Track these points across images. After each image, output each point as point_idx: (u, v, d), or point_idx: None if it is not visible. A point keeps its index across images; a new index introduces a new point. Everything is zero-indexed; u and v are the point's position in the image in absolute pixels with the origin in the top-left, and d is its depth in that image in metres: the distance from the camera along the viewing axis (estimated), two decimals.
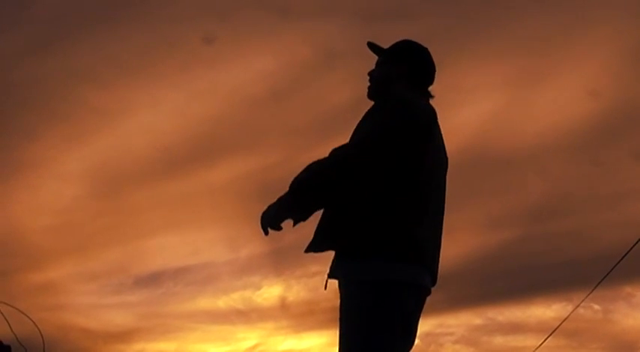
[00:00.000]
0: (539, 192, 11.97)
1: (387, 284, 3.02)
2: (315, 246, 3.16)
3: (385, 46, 3.47)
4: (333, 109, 10.41)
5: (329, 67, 10.32)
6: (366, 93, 3.44)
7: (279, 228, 3.12)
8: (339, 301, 3.19)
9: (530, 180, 11.91)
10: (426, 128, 3.16)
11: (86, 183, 11.71)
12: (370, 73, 3.44)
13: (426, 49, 3.45)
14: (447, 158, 3.35)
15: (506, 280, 12.62)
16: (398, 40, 3.48)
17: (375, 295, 3.02)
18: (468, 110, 10.26)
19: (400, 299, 3.05)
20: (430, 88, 3.43)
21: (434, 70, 3.44)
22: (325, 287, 3.24)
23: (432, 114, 3.23)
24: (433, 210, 3.18)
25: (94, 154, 11.43)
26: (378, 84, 3.40)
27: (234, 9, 10.28)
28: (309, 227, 3.42)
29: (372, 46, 3.45)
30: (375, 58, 3.49)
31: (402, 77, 3.37)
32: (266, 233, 3.13)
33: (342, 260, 3.12)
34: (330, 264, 3.24)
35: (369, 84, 3.44)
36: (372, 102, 3.35)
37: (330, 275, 3.22)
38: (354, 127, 3.22)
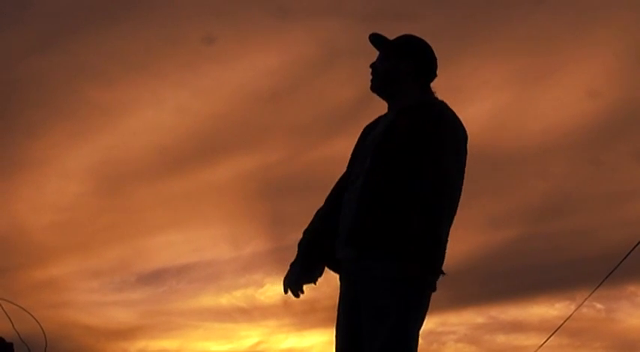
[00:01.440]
0: (541, 191, 11.98)
1: (422, 281, 3.11)
2: (354, 236, 3.19)
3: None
4: (336, 107, 10.42)
5: (331, 65, 10.34)
6: (369, 86, 3.44)
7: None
8: (342, 293, 3.28)
9: (532, 180, 11.93)
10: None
11: (89, 181, 11.73)
12: (373, 66, 3.43)
13: (430, 45, 3.46)
14: None
15: (508, 279, 12.64)
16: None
17: (419, 297, 3.13)
18: (469, 110, 10.24)
19: (428, 296, 3.18)
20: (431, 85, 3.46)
21: (437, 67, 3.46)
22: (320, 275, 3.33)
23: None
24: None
25: (96, 152, 11.45)
26: (386, 78, 3.39)
27: (236, 7, 10.30)
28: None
29: (376, 38, 3.44)
30: (376, 52, 3.50)
31: (410, 73, 3.38)
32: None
33: (376, 258, 3.14)
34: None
35: (371, 76, 3.43)
36: (375, 94, 3.41)
37: (332, 266, 3.31)
38: (383, 131, 3.30)
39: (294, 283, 3.31)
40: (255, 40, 10.54)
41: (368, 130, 3.47)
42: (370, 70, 3.43)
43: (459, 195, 3.20)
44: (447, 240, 3.16)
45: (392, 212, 3.13)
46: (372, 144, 3.31)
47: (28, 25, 10.23)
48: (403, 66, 3.38)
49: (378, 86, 3.41)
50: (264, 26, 10.33)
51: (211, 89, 11.11)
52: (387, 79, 3.39)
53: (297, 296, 3.30)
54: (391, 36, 3.44)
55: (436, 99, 3.39)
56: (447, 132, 3.22)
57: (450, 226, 3.17)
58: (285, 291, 3.31)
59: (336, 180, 3.48)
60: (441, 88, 3.44)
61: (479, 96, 10.83)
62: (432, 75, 3.44)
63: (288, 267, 3.35)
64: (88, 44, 10.50)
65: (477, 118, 10.42)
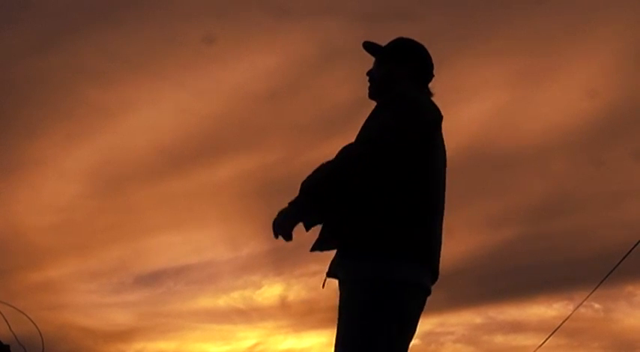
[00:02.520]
0: (540, 191, 11.98)
1: (389, 283, 3.03)
2: (321, 244, 3.17)
3: (383, 44, 3.47)
4: (335, 108, 10.42)
5: (330, 65, 10.33)
6: (367, 94, 3.44)
7: (289, 238, 3.10)
8: (338, 300, 3.19)
9: (531, 180, 11.93)
10: (432, 126, 3.20)
11: (87, 182, 11.73)
12: (369, 73, 3.44)
13: (423, 46, 3.45)
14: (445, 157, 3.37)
15: (507, 279, 12.64)
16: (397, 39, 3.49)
17: (376, 293, 3.03)
18: (468, 110, 10.27)
19: (400, 298, 3.06)
20: (430, 86, 3.44)
21: (433, 67, 3.45)
22: (323, 286, 3.25)
23: (437, 113, 3.25)
24: (437, 209, 3.20)
25: (95, 152, 11.45)
26: (381, 83, 3.39)
27: (236, 8, 10.30)
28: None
29: (369, 46, 3.44)
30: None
31: (405, 76, 3.38)
32: (276, 237, 3.13)
33: (345, 258, 3.12)
34: (329, 263, 3.25)
35: (368, 84, 3.44)
36: (375, 102, 3.35)
37: (330, 274, 3.23)
38: (361, 126, 3.22)
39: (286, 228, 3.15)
40: (255, 41, 10.54)
41: None
42: (367, 77, 3.44)
43: (366, 153, 3.03)
44: (418, 228, 3.05)
45: (342, 208, 3.11)
46: None
47: (27, 25, 10.23)
48: (397, 69, 3.38)
49: (376, 93, 3.41)
50: (264, 27, 10.33)
51: (210, 89, 11.11)
52: (384, 84, 3.39)
53: (289, 239, 3.14)
54: (390, 36, 3.45)
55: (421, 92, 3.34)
56: (395, 105, 3.15)
57: (333, 178, 3.03)
58: (276, 236, 3.16)
59: None
60: (441, 88, 3.44)
61: (478, 96, 10.84)
62: (429, 75, 3.43)
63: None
64: (87, 44, 10.51)
65: (477, 118, 10.43)
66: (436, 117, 3.23)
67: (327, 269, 3.25)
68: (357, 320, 3.04)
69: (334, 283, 3.28)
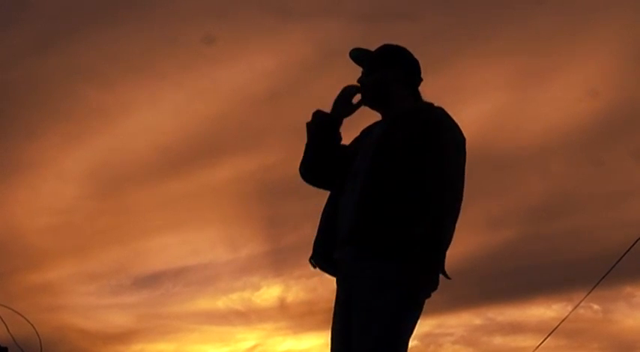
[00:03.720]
0: (539, 191, 11.97)
1: (418, 291, 3.12)
2: (354, 237, 3.18)
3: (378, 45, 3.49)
4: None
5: (329, 66, 10.29)
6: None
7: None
8: (338, 295, 3.26)
9: (530, 180, 11.91)
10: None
11: (86, 183, 11.70)
12: (360, 81, 3.46)
13: (409, 51, 3.48)
14: None
15: (506, 280, 12.62)
16: (398, 40, 3.52)
17: (413, 299, 3.12)
18: (468, 110, 10.24)
19: (422, 304, 3.18)
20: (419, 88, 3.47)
21: (420, 71, 3.48)
22: (314, 267, 3.35)
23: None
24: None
25: (94, 154, 11.43)
26: (375, 89, 3.42)
27: (234, 8, 10.28)
28: (307, 228, 3.42)
29: (356, 54, 3.47)
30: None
31: (398, 80, 3.40)
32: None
33: (375, 258, 3.14)
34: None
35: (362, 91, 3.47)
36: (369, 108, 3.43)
37: (329, 270, 3.31)
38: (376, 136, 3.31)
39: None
40: (253, 42, 10.53)
41: (366, 133, 3.49)
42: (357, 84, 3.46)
43: (461, 198, 3.19)
44: (449, 244, 3.16)
45: (393, 213, 3.14)
46: (372, 146, 3.32)
47: (26, 26, 10.22)
48: (391, 74, 3.41)
49: (370, 99, 3.45)
50: (262, 28, 10.32)
51: (209, 91, 11.09)
52: (378, 90, 3.42)
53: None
54: (390, 36, 3.47)
55: (432, 104, 3.39)
56: (448, 135, 3.23)
57: (452, 230, 3.16)
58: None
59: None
60: (441, 88, 3.44)
61: (478, 97, 10.82)
62: (418, 78, 3.46)
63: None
64: (86, 45, 10.49)
65: (476, 118, 10.41)
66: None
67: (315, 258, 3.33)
68: (394, 320, 3.09)
69: (331, 285, 3.30)
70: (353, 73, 3.48)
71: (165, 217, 12.07)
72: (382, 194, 3.17)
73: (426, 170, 3.14)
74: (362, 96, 3.45)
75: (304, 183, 3.50)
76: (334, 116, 3.45)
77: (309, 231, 3.43)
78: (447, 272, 3.16)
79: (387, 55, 3.45)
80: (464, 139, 3.28)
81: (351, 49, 3.48)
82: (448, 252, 3.15)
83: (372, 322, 3.10)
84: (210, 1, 10.49)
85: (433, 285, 3.14)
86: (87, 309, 12.38)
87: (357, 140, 3.50)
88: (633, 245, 8.46)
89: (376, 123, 3.48)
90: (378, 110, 3.46)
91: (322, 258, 3.34)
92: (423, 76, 3.47)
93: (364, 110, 3.48)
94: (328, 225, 3.34)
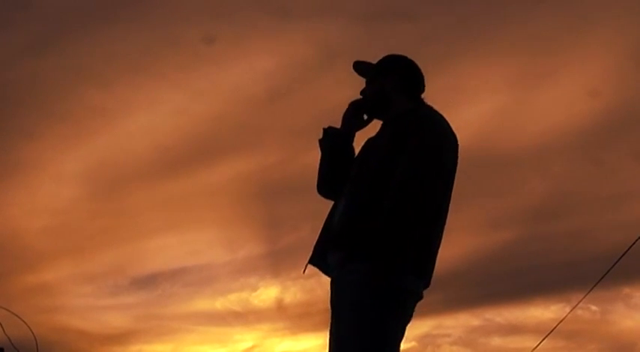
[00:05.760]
0: (538, 192, 11.96)
1: (400, 291, 3.10)
2: (339, 241, 3.21)
3: (382, 50, 3.53)
4: (334, 109, 10.31)
5: (329, 66, 10.29)
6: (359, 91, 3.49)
7: None
8: (331, 298, 3.26)
9: (530, 181, 11.90)
10: (455, 150, 3.28)
11: (84, 184, 11.68)
12: (363, 92, 3.49)
13: (411, 59, 3.49)
14: None
15: (504, 281, 12.60)
16: (398, 40, 3.53)
17: (387, 299, 3.08)
18: (468, 110, 10.23)
19: (406, 305, 3.17)
20: (423, 96, 3.47)
21: (423, 77, 3.48)
22: (304, 272, 3.38)
23: (454, 137, 3.30)
24: (444, 220, 3.28)
25: (92, 154, 11.41)
26: (376, 101, 3.44)
27: (234, 9, 10.26)
28: (305, 229, 3.41)
29: (359, 67, 3.50)
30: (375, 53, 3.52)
31: (397, 88, 3.42)
32: None
33: (354, 260, 3.15)
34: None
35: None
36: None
37: (325, 271, 3.32)
38: (374, 143, 3.34)
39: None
40: (253, 42, 10.52)
41: (367, 144, 3.51)
42: (361, 97, 3.50)
43: (432, 198, 3.14)
44: (429, 245, 3.16)
45: (368, 215, 3.15)
46: (364, 152, 3.41)
47: (24, 26, 10.20)
48: (389, 82, 3.43)
49: (371, 109, 3.49)
50: (262, 28, 10.30)
51: (208, 91, 11.07)
52: (378, 100, 3.44)
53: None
54: (390, 36, 3.47)
55: (424, 105, 3.39)
56: (417, 138, 3.19)
57: (427, 230, 3.14)
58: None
59: None
60: (441, 88, 3.43)
61: (478, 97, 10.80)
62: (420, 87, 3.46)
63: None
64: (85, 45, 10.47)
65: (476, 119, 10.40)
66: (455, 140, 3.29)
67: (310, 258, 3.34)
68: (368, 324, 3.08)
69: (328, 286, 3.29)
70: (353, 74, 3.51)
71: (163, 218, 12.06)
72: (364, 198, 3.21)
73: (398, 170, 3.14)
74: (365, 107, 3.49)
75: (304, 183, 3.52)
76: (345, 131, 3.49)
77: (307, 233, 3.43)
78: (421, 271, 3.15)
79: (384, 64, 3.47)
80: (439, 142, 3.21)
81: (353, 62, 3.51)
82: (446, 253, 3.14)
83: (351, 324, 3.11)
84: (209, 1, 10.48)
85: (413, 285, 3.12)
86: (84, 310, 12.38)
87: (362, 148, 3.52)
88: (632, 246, 8.45)
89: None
90: (379, 119, 3.49)
91: (320, 258, 3.34)
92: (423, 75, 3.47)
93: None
94: (326, 228, 3.37)
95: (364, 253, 3.09)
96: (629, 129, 11.18)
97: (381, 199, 3.13)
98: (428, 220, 3.12)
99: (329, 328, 3.29)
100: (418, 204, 3.09)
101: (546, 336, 11.18)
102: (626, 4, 10.09)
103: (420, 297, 3.22)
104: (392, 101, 3.41)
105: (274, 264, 12.37)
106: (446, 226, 3.29)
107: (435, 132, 3.23)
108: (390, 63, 3.47)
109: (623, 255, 8.63)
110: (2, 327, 5.58)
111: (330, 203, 3.44)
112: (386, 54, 3.53)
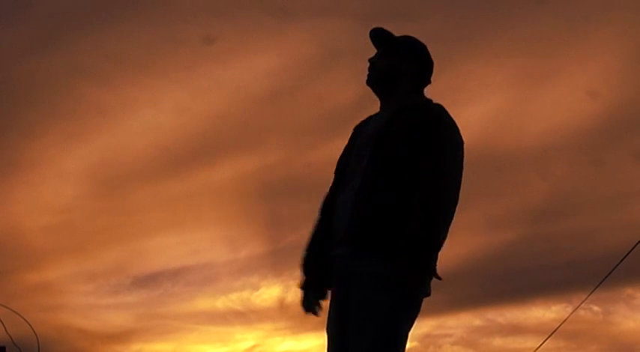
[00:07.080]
0: (540, 192, 11.95)
1: (420, 292, 3.12)
2: (350, 238, 3.17)
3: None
4: (336, 108, 10.39)
5: (331, 65, 10.30)
6: (365, 80, 3.43)
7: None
8: (337, 293, 3.24)
9: (531, 181, 11.90)
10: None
11: (85, 182, 11.69)
12: (372, 60, 3.41)
13: (429, 52, 3.45)
14: None
15: (506, 281, 12.60)
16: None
17: (410, 300, 3.11)
18: (469, 111, 10.23)
19: (419, 305, 3.18)
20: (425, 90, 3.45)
21: (431, 74, 3.46)
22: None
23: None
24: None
25: (93, 153, 11.42)
26: (384, 75, 3.37)
27: (236, 8, 10.28)
28: (307, 228, 3.40)
29: (378, 33, 3.41)
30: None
31: (409, 75, 3.37)
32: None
33: (375, 259, 3.12)
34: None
35: (368, 71, 3.42)
36: (370, 89, 3.39)
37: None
38: (383, 132, 3.25)
39: (311, 306, 3.37)
40: (255, 41, 10.53)
41: (358, 130, 3.44)
42: (368, 64, 3.41)
43: (457, 200, 3.17)
44: (440, 246, 3.14)
45: (389, 212, 3.12)
46: (369, 143, 3.27)
47: (25, 25, 10.21)
48: (405, 66, 3.37)
49: (376, 82, 3.39)
50: (264, 27, 10.31)
51: (210, 90, 11.08)
52: (387, 76, 3.37)
53: (317, 315, 3.37)
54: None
55: (432, 101, 3.37)
56: (447, 135, 3.20)
57: (445, 232, 3.14)
58: (307, 312, 3.38)
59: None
60: (442, 88, 3.43)
61: (479, 97, 10.81)
62: (428, 81, 3.44)
63: (300, 292, 3.39)
64: (86, 44, 10.49)
65: (478, 119, 10.40)
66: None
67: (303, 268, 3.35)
68: (390, 320, 3.08)
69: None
70: (353, 74, 3.47)
71: (165, 217, 12.07)
72: (379, 192, 3.15)
73: (423, 169, 3.11)
74: (368, 76, 3.41)
75: (306, 182, 3.52)
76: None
77: (309, 232, 3.42)
78: (439, 274, 3.15)
79: (407, 46, 3.41)
80: (462, 141, 3.25)
81: (374, 27, 3.42)
82: (447, 253, 3.14)
83: (368, 322, 3.09)
84: (211, 0, 10.49)
85: (427, 283, 3.13)
86: (85, 309, 12.39)
87: (351, 138, 3.44)
88: (634, 247, 8.43)
89: (370, 117, 3.44)
90: (378, 95, 3.42)
91: (315, 256, 3.33)
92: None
93: (364, 107, 3.45)
94: (324, 223, 3.33)
95: (382, 252, 3.09)
96: (631, 130, 11.19)
97: (403, 197, 3.11)
98: (451, 220, 3.15)
99: (327, 325, 3.28)
100: (451, 207, 3.13)
101: (548, 337, 11.17)
102: (626, 6, 10.09)
103: (429, 294, 3.20)
104: (398, 85, 3.36)
105: (276, 263, 12.37)
106: None
107: (458, 130, 3.25)
108: (414, 47, 3.42)
109: (626, 255, 8.62)
110: (4, 325, 5.58)
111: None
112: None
